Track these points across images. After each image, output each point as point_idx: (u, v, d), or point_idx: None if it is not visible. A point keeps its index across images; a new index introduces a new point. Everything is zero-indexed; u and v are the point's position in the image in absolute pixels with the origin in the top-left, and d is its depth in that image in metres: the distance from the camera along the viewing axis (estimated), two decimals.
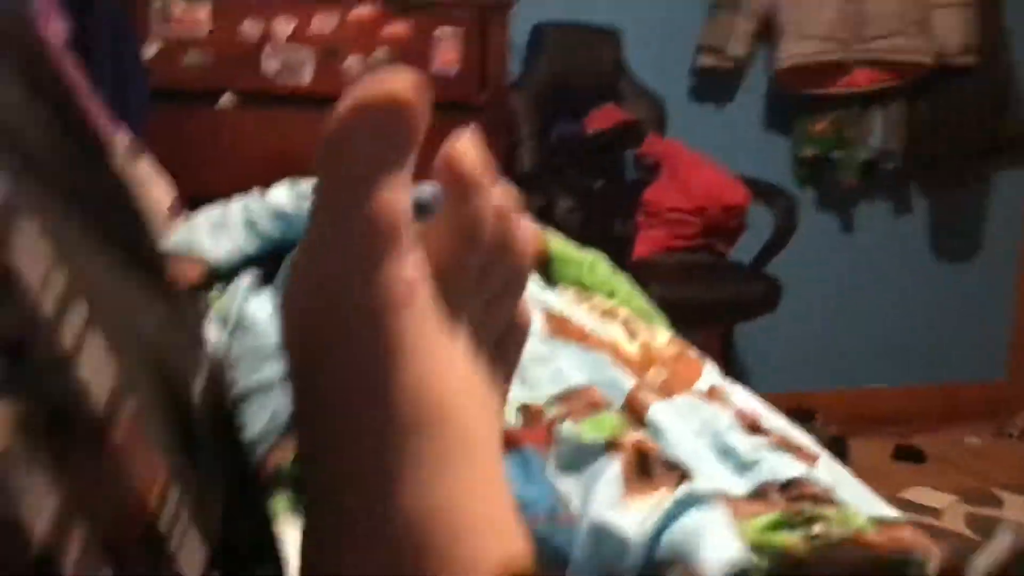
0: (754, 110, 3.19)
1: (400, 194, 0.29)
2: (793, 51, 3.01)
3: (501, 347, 0.35)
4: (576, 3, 2.94)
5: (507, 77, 2.47)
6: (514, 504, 0.33)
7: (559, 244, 0.97)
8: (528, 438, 0.60)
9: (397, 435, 0.30)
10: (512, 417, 0.63)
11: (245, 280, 0.79)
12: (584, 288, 0.93)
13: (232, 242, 0.83)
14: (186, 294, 0.28)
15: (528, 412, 0.63)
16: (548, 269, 0.94)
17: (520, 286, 0.35)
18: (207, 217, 0.90)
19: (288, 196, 0.84)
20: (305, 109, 2.20)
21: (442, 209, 0.31)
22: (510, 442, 0.60)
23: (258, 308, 0.75)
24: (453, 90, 2.32)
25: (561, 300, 0.87)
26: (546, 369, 0.68)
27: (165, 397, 0.25)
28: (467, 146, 0.31)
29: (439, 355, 0.31)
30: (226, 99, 2.26)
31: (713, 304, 2.57)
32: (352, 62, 2.27)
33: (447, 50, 2.37)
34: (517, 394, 0.65)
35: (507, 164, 2.57)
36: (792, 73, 3.04)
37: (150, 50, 2.18)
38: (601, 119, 2.72)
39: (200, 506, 0.25)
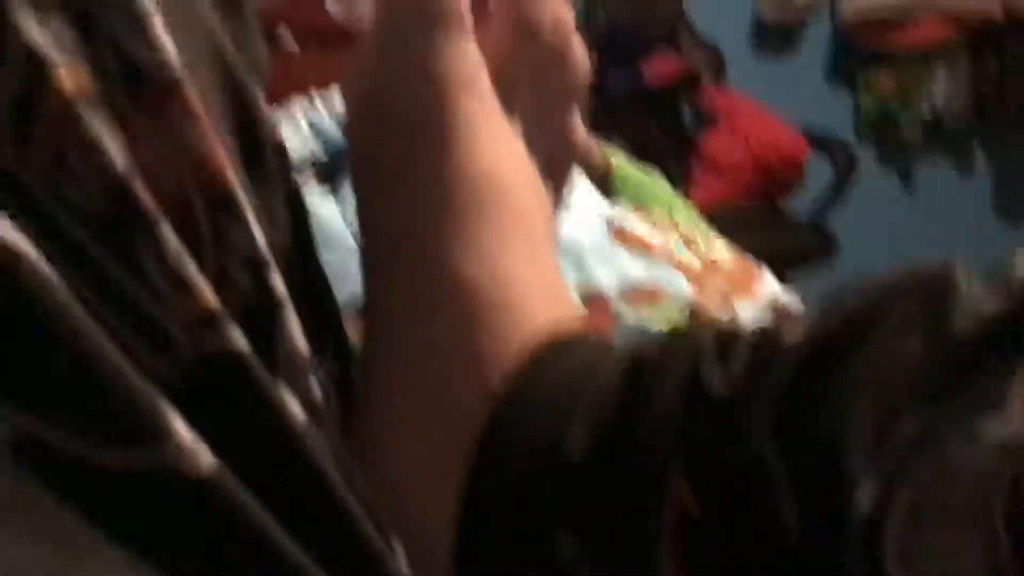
0: (817, 62, 3.13)
1: None
2: (859, 2, 2.94)
3: (553, 160, 0.35)
4: None
5: None
6: (565, 284, 0.33)
7: (621, 160, 0.96)
8: (591, 322, 0.60)
9: (455, 204, 0.30)
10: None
11: (306, 179, 0.80)
12: (644, 205, 0.92)
13: (290, 142, 0.83)
14: (254, 27, 0.28)
15: (590, 300, 0.63)
16: (609, 184, 0.93)
17: (572, 102, 0.36)
18: None
19: None
20: None
21: None
22: None
23: (318, 204, 0.75)
24: None
25: (622, 213, 0.86)
26: (609, 264, 0.68)
27: (230, 98, 0.25)
28: None
29: (498, 137, 0.32)
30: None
31: (765, 254, 2.53)
32: None
33: None
34: (577, 281, 0.64)
35: None
36: (857, 25, 2.97)
37: None
38: (659, 67, 2.68)
39: (262, 208, 0.25)
